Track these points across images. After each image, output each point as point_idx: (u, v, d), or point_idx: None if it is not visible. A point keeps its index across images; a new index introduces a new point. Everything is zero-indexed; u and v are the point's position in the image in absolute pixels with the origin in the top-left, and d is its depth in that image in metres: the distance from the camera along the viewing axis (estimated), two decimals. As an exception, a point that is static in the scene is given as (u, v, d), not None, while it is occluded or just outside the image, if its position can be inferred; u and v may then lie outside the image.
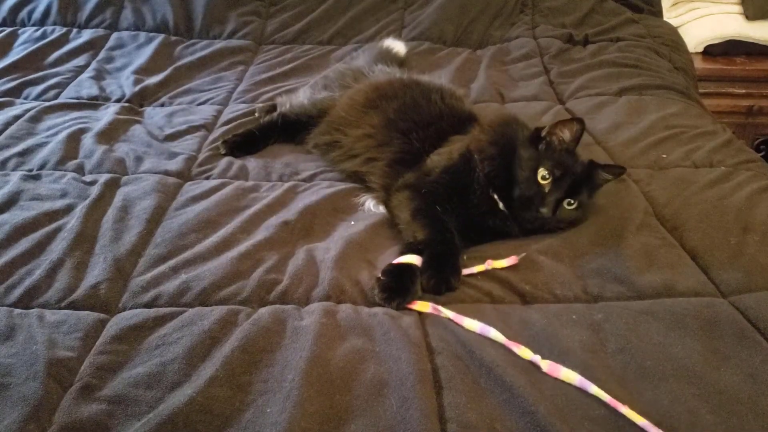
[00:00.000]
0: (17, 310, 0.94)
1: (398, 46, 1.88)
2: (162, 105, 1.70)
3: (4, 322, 0.90)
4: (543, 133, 1.12)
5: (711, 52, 2.34)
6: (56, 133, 1.47)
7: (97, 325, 0.91)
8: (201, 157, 1.41)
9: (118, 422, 0.75)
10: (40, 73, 1.82)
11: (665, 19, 2.37)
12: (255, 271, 1.02)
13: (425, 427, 0.74)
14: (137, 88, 1.74)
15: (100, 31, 2.08)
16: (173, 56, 1.97)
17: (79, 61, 1.92)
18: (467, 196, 1.12)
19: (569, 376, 0.81)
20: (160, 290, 0.98)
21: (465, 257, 1.06)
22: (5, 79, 1.78)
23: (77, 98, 1.68)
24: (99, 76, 1.82)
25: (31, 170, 1.33)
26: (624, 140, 1.47)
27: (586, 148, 1.43)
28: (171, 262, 1.03)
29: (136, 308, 0.95)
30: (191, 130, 1.53)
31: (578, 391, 0.79)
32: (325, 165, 1.38)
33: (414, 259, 1.00)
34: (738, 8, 2.38)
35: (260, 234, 1.11)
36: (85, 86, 1.75)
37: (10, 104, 1.65)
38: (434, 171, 1.17)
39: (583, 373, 0.81)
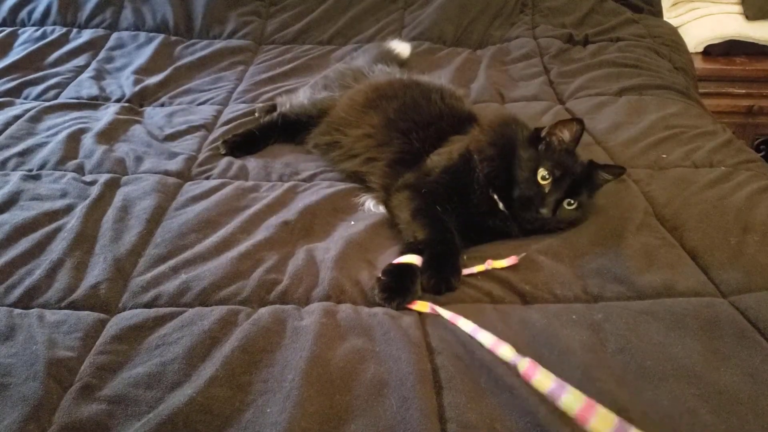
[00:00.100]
0: (17, 310, 0.94)
1: (402, 48, 1.88)
2: (162, 105, 1.70)
3: (4, 322, 0.90)
4: (543, 134, 1.12)
5: (711, 52, 2.34)
6: (56, 133, 1.47)
7: (97, 325, 0.91)
8: (201, 157, 1.41)
9: (118, 422, 0.75)
10: (40, 73, 1.82)
11: (665, 19, 2.37)
12: (255, 271, 1.02)
13: (425, 427, 0.74)
14: (137, 88, 1.74)
15: (100, 31, 2.09)
16: (173, 56, 1.97)
17: (79, 61, 1.92)
18: (467, 196, 1.12)
19: (542, 381, 0.73)
20: (160, 290, 0.98)
21: (465, 257, 1.06)
22: (5, 79, 1.78)
23: (77, 98, 1.69)
24: (99, 76, 1.82)
25: (31, 170, 1.33)
26: (624, 140, 1.47)
27: (586, 148, 1.43)
28: (171, 262, 1.03)
29: (136, 308, 0.95)
30: (191, 130, 1.53)
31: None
32: (325, 165, 1.39)
33: (414, 259, 1.00)
34: (738, 8, 2.38)
35: (260, 234, 1.11)
36: (85, 86, 1.75)
37: (10, 104, 1.65)
38: (434, 171, 1.17)
39: (584, 373, 0.81)
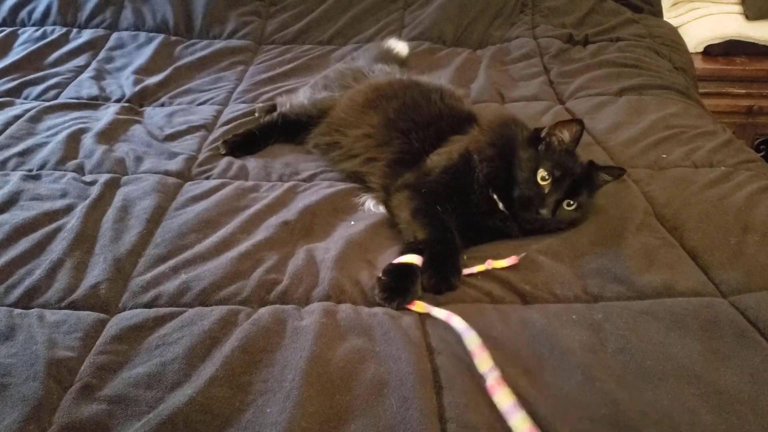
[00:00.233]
0: (17, 310, 0.94)
1: (400, 47, 1.88)
2: (162, 105, 1.70)
3: (4, 322, 0.90)
4: (542, 134, 1.12)
5: (711, 52, 2.34)
6: (56, 133, 1.47)
7: (97, 325, 0.91)
8: (201, 157, 1.41)
9: (118, 422, 0.75)
10: (40, 73, 1.82)
11: (665, 19, 2.37)
12: (255, 271, 1.02)
13: (425, 427, 0.74)
14: (137, 88, 1.74)
15: (100, 31, 2.09)
16: (173, 56, 1.97)
17: (79, 61, 1.92)
18: (467, 196, 1.12)
19: (502, 400, 0.76)
20: (160, 290, 0.98)
21: (465, 257, 1.06)
22: (5, 79, 1.78)
23: (77, 98, 1.69)
24: (99, 76, 1.82)
25: (31, 170, 1.33)
26: (624, 140, 1.47)
27: (586, 148, 1.43)
28: (171, 262, 1.03)
29: (136, 308, 0.95)
30: (191, 130, 1.53)
31: (578, 391, 0.79)
32: (325, 165, 1.39)
33: (414, 259, 1.00)
34: (738, 8, 2.38)
35: (260, 234, 1.11)
36: (85, 86, 1.75)
37: (10, 104, 1.65)
38: (434, 171, 1.17)
39: (584, 373, 0.81)
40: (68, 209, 1.18)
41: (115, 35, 2.08)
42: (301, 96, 1.59)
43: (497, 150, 1.14)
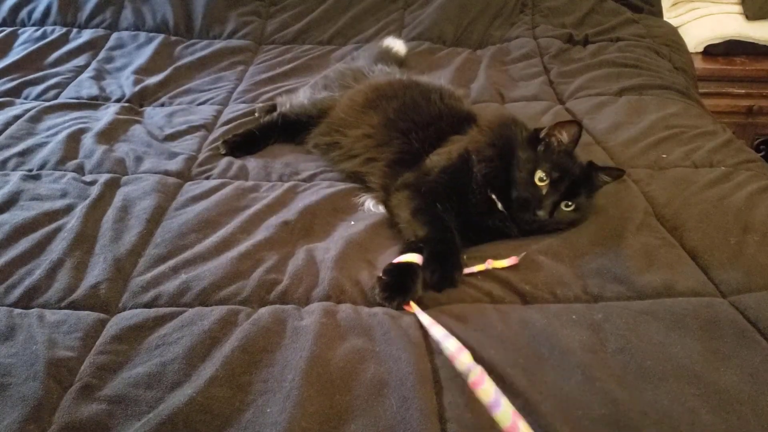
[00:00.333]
0: (17, 310, 0.94)
1: (398, 45, 1.89)
2: (162, 105, 1.70)
3: (4, 322, 0.90)
4: (541, 135, 1.12)
5: (711, 52, 2.34)
6: (56, 133, 1.47)
7: (97, 325, 0.91)
8: (201, 157, 1.41)
9: (118, 422, 0.75)
10: (40, 73, 1.82)
11: (665, 19, 2.37)
12: (255, 271, 1.02)
13: (425, 427, 0.74)
14: (137, 88, 1.74)
15: (100, 31, 2.09)
16: (173, 56, 1.97)
17: (79, 61, 1.92)
18: (466, 196, 1.12)
19: (486, 392, 0.77)
20: (160, 290, 0.98)
21: (465, 257, 1.06)
22: (5, 79, 1.78)
23: (77, 98, 1.69)
24: (99, 76, 1.82)
25: (31, 170, 1.33)
26: (624, 140, 1.47)
27: (586, 148, 1.43)
28: (171, 262, 1.03)
29: (136, 308, 0.95)
30: (191, 130, 1.53)
31: (578, 391, 0.79)
32: (325, 165, 1.39)
33: (414, 258, 1.00)
34: (738, 8, 2.38)
35: (260, 234, 1.11)
36: (85, 86, 1.75)
37: (10, 104, 1.65)
38: (433, 171, 1.17)
39: (584, 373, 0.81)
40: (68, 209, 1.18)
41: (115, 35, 2.08)
42: (301, 96, 1.59)
43: (496, 150, 1.14)
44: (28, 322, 0.91)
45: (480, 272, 1.03)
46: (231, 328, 0.89)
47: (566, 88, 1.79)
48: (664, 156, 1.39)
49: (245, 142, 1.45)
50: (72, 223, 1.13)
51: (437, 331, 0.87)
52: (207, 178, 1.34)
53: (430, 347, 0.87)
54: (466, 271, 1.02)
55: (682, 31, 2.28)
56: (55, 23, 2.12)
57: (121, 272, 1.02)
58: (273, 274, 1.02)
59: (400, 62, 1.82)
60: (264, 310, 0.93)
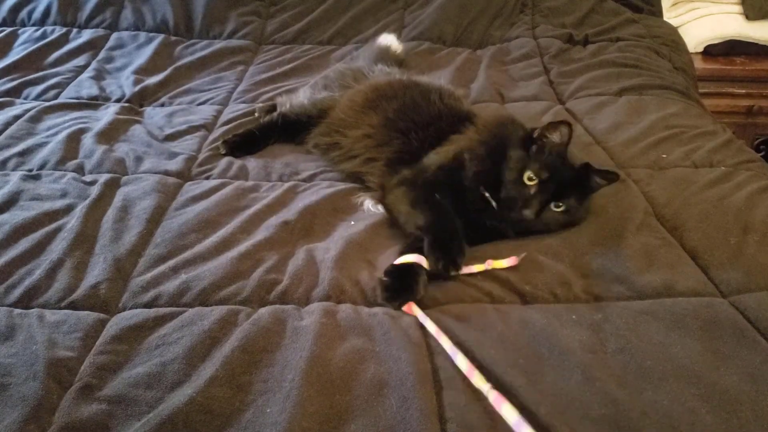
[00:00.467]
0: (17, 310, 0.94)
1: (392, 42, 1.87)
2: (162, 105, 1.70)
3: (4, 322, 0.90)
4: (535, 135, 1.12)
5: (711, 52, 2.34)
6: (56, 133, 1.47)
7: (97, 325, 0.91)
8: (201, 157, 1.41)
9: (118, 422, 0.75)
10: (40, 73, 1.82)
11: (665, 19, 2.37)
12: (255, 271, 1.02)
13: (425, 427, 0.74)
14: (137, 88, 1.74)
15: (100, 31, 2.09)
16: (173, 56, 1.97)
17: (79, 61, 1.92)
18: (461, 194, 1.12)
19: (509, 413, 0.75)
20: (160, 290, 0.98)
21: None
22: (5, 79, 1.78)
23: (77, 98, 1.69)
24: (99, 76, 1.82)
25: (31, 170, 1.33)
26: (624, 140, 1.47)
27: (586, 148, 1.43)
28: (171, 262, 1.03)
29: (136, 308, 0.95)
30: (191, 130, 1.53)
31: (578, 391, 0.79)
32: (325, 165, 1.38)
33: (415, 259, 1.00)
34: (738, 8, 2.38)
35: (260, 234, 1.11)
36: (85, 86, 1.75)
37: (10, 104, 1.65)
38: (430, 169, 1.18)
39: (584, 373, 0.81)
40: (68, 209, 1.18)
41: (115, 35, 2.08)
42: (301, 96, 1.59)
43: (488, 149, 1.14)
44: (28, 322, 0.91)
45: (480, 272, 1.03)
46: (231, 328, 0.89)
47: (566, 88, 1.79)
48: (664, 156, 1.39)
49: (245, 142, 1.45)
50: (72, 223, 1.13)
51: (446, 344, 0.86)
52: (207, 178, 1.34)
53: (430, 347, 0.87)
54: (465, 270, 1.02)
55: (682, 31, 2.28)
56: (55, 23, 2.11)
57: (121, 272, 1.02)
58: (273, 274, 1.02)
59: (400, 62, 1.82)
60: (264, 310, 0.93)
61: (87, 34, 2.06)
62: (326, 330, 0.88)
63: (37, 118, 1.55)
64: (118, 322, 0.91)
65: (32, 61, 1.89)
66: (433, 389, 0.80)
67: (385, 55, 1.78)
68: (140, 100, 1.71)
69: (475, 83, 1.82)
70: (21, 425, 0.74)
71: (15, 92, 1.73)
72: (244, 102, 1.71)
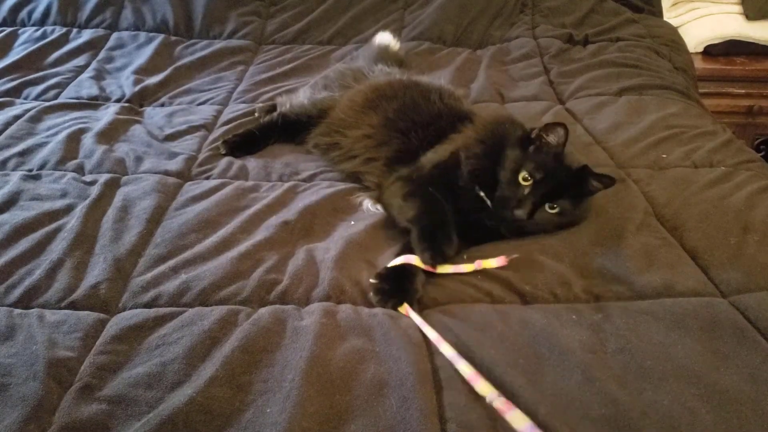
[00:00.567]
0: (17, 310, 0.94)
1: (388, 39, 1.87)
2: (162, 105, 1.70)
3: (4, 322, 0.90)
4: (532, 135, 1.12)
5: (711, 52, 2.34)
6: (56, 133, 1.47)
7: (97, 325, 0.91)
8: (201, 157, 1.41)
9: (118, 422, 0.75)
10: (40, 73, 1.82)
11: (665, 19, 2.37)
12: (255, 271, 1.02)
13: (425, 427, 0.74)
14: (137, 88, 1.74)
15: (100, 31, 2.09)
16: (173, 56, 1.97)
17: (79, 61, 1.92)
18: (457, 192, 1.12)
19: (519, 420, 0.73)
20: (160, 290, 0.98)
21: (465, 257, 1.06)
22: (5, 79, 1.78)
23: (77, 98, 1.69)
24: (99, 76, 1.82)
25: (31, 170, 1.33)
26: (624, 140, 1.47)
27: (586, 148, 1.43)
28: (171, 262, 1.03)
29: (136, 308, 0.95)
30: (191, 130, 1.53)
31: (578, 391, 0.79)
32: (325, 165, 1.39)
33: (410, 259, 1.00)
34: (738, 8, 2.38)
35: (260, 234, 1.11)
36: (85, 86, 1.75)
37: (10, 104, 1.65)
38: (426, 167, 1.18)
39: (584, 373, 0.81)
40: (68, 209, 1.18)
41: (115, 35, 2.08)
42: (301, 96, 1.59)
43: (485, 148, 1.14)
44: (28, 322, 0.91)
45: (472, 272, 1.02)
46: (231, 328, 0.89)
47: (566, 88, 1.79)
48: (664, 156, 1.39)
49: (245, 142, 1.45)
50: (72, 223, 1.13)
51: (447, 350, 0.85)
52: (207, 178, 1.34)
53: (430, 347, 0.87)
54: (454, 270, 1.02)
55: (682, 31, 2.28)
56: (55, 23, 2.11)
57: (121, 272, 1.02)
58: (273, 274, 1.02)
59: (400, 62, 1.82)
60: (264, 310, 0.93)
61: (87, 34, 2.06)
62: (326, 330, 0.88)
63: (37, 118, 1.55)
64: (118, 322, 0.91)
65: (32, 61, 1.89)
66: (433, 389, 0.80)
67: (385, 55, 1.78)
68: (140, 100, 1.71)
69: (475, 83, 1.82)
70: (21, 425, 0.74)
71: (15, 92, 1.73)
72: (244, 102, 1.71)
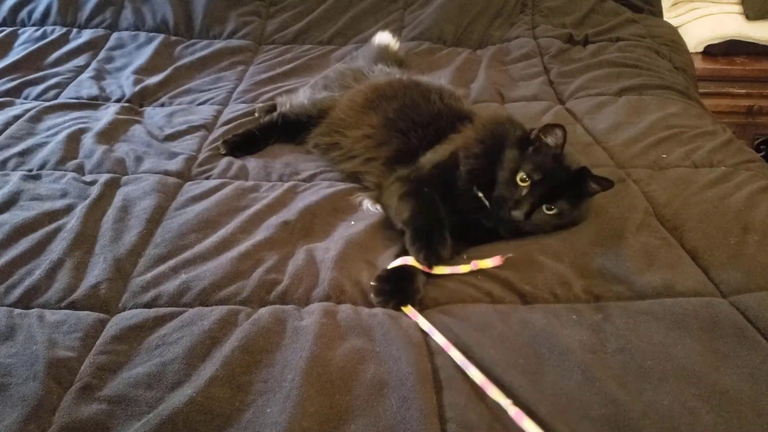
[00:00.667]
0: (17, 310, 0.94)
1: (388, 39, 1.87)
2: (162, 105, 1.70)
3: (4, 322, 0.90)
4: (532, 136, 1.12)
5: (711, 52, 2.34)
6: (56, 133, 1.47)
7: (97, 325, 0.91)
8: (201, 157, 1.41)
9: (118, 422, 0.75)
10: (40, 73, 1.82)
11: (665, 19, 2.37)
12: (255, 271, 1.02)
13: (425, 427, 0.74)
14: (137, 88, 1.74)
15: (100, 31, 2.09)
16: (173, 56, 1.97)
17: (79, 61, 1.92)
18: (455, 192, 1.12)
19: (532, 429, 0.73)
20: (160, 290, 0.98)
21: (465, 257, 1.06)
22: (5, 79, 1.78)
23: (77, 98, 1.69)
24: (99, 76, 1.82)
25: (31, 170, 1.33)
26: (624, 140, 1.47)
27: (586, 148, 1.43)
28: (171, 262, 1.03)
29: (136, 308, 0.95)
30: (191, 130, 1.53)
31: (578, 391, 0.79)
32: (325, 165, 1.39)
33: (409, 260, 1.00)
34: (738, 8, 2.38)
35: (260, 234, 1.11)
36: (85, 86, 1.75)
37: (10, 104, 1.65)
38: (425, 167, 1.18)
39: (584, 373, 0.81)
40: (68, 209, 1.18)
41: (115, 35, 2.08)
42: (301, 96, 1.59)
43: (484, 148, 1.14)
44: (28, 322, 0.91)
45: (466, 273, 1.02)
46: (231, 328, 0.89)
47: (566, 88, 1.79)
48: (664, 156, 1.39)
49: (245, 142, 1.45)
50: (72, 223, 1.13)
51: (457, 356, 0.85)
52: (207, 178, 1.34)
53: (431, 347, 0.87)
54: (451, 271, 1.02)
55: (682, 31, 2.28)
56: (55, 23, 2.11)
57: (121, 272, 1.02)
58: (273, 274, 1.02)
59: (400, 62, 1.82)
60: (264, 310, 0.93)
61: (87, 34, 2.06)
62: (326, 330, 0.88)
63: (37, 118, 1.55)
64: (118, 322, 0.91)
65: (32, 61, 1.89)
66: (433, 389, 0.80)
67: (385, 55, 1.77)
68: (140, 100, 1.71)
69: (475, 83, 1.82)
70: (21, 425, 0.74)
71: (15, 92, 1.73)
72: (244, 102, 1.71)
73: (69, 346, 0.86)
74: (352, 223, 1.17)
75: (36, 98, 1.70)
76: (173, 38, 2.08)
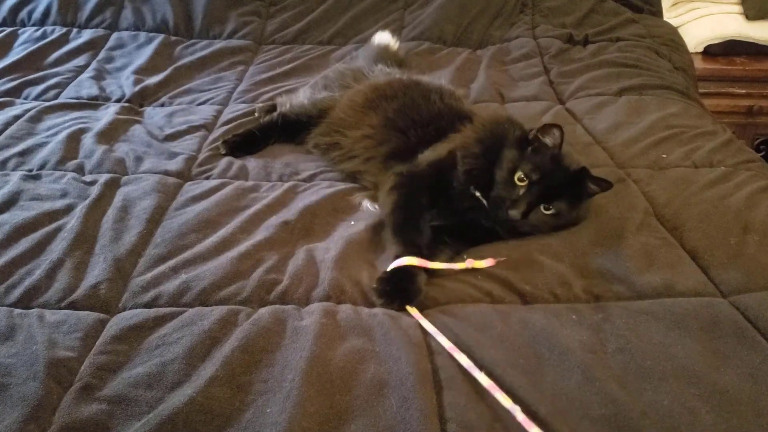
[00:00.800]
0: (17, 310, 0.94)
1: (387, 39, 1.87)
2: (162, 105, 1.70)
3: (4, 322, 0.90)
4: (530, 136, 1.12)
5: (711, 52, 2.34)
6: (56, 133, 1.47)
7: (97, 325, 0.91)
8: (201, 157, 1.41)
9: (118, 422, 0.75)
10: (40, 73, 1.82)
11: (665, 19, 2.37)
12: (255, 271, 1.02)
13: (425, 427, 0.74)
14: (137, 88, 1.74)
15: (100, 31, 2.09)
16: (173, 56, 1.97)
17: (79, 61, 1.92)
18: (450, 191, 1.12)
19: None
20: (160, 290, 0.98)
21: (465, 256, 1.06)
22: (5, 79, 1.78)
23: (77, 98, 1.69)
24: (99, 76, 1.82)
25: (31, 170, 1.33)
26: (624, 140, 1.47)
27: (586, 148, 1.43)
28: (171, 262, 1.03)
29: (136, 308, 0.95)
30: (191, 130, 1.53)
31: (578, 391, 0.79)
32: (325, 165, 1.39)
33: (410, 261, 1.00)
34: (738, 8, 2.38)
35: (260, 234, 1.11)
36: (85, 86, 1.75)
37: (10, 104, 1.65)
38: (422, 164, 1.18)
39: (584, 373, 0.81)
40: (68, 209, 1.18)
41: (115, 35, 2.08)
42: (301, 96, 1.59)
43: (482, 147, 1.14)
44: (28, 322, 0.91)
45: (464, 271, 1.02)
46: (231, 328, 0.89)
47: (566, 88, 1.79)
48: (664, 156, 1.39)
49: (245, 142, 1.45)
50: (72, 223, 1.13)
51: (463, 360, 0.84)
52: (207, 178, 1.34)
53: (431, 347, 0.87)
54: (446, 266, 1.02)
55: (682, 31, 2.28)
56: (55, 23, 2.11)
57: (121, 272, 1.02)
58: (273, 274, 1.02)
59: (400, 62, 1.82)
60: (264, 310, 0.93)
61: (87, 34, 2.06)
62: (326, 330, 0.88)
63: (37, 118, 1.55)
64: (118, 322, 0.91)
65: (32, 61, 1.89)
66: (433, 389, 0.80)
67: (385, 55, 1.77)
68: (140, 100, 1.71)
69: (475, 83, 1.82)
70: (21, 425, 0.74)
71: (15, 92, 1.73)
72: (244, 102, 1.71)
73: (69, 346, 0.86)
74: (352, 223, 1.17)
75: (36, 98, 1.70)
76: (173, 38, 2.08)
